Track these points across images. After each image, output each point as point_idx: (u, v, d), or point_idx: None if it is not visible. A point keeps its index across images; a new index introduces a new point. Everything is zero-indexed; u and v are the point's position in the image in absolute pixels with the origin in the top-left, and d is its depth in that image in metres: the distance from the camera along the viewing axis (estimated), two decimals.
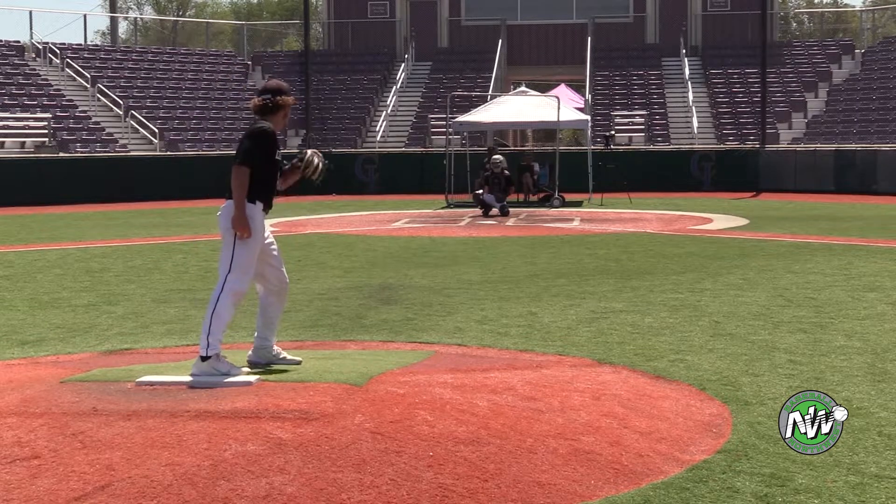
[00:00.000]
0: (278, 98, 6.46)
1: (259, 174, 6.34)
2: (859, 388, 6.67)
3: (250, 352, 6.58)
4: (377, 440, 5.06)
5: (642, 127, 36.97)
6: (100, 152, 32.90)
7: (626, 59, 41.52)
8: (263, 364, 6.46)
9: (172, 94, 38.49)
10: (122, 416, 5.42)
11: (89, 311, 10.30)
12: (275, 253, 6.54)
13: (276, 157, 6.47)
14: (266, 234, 6.46)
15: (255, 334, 6.58)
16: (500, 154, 24.79)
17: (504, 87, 40.22)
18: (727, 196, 29.83)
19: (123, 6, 71.65)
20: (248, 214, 6.27)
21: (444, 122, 30.64)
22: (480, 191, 23.73)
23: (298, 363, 6.51)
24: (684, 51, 40.73)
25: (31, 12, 41.33)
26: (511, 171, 27.14)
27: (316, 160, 6.74)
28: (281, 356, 6.53)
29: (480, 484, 4.73)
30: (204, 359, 6.10)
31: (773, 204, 27.04)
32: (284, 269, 6.65)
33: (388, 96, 39.86)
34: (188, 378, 6.07)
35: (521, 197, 28.18)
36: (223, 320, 6.21)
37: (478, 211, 23.59)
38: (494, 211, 23.15)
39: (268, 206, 6.46)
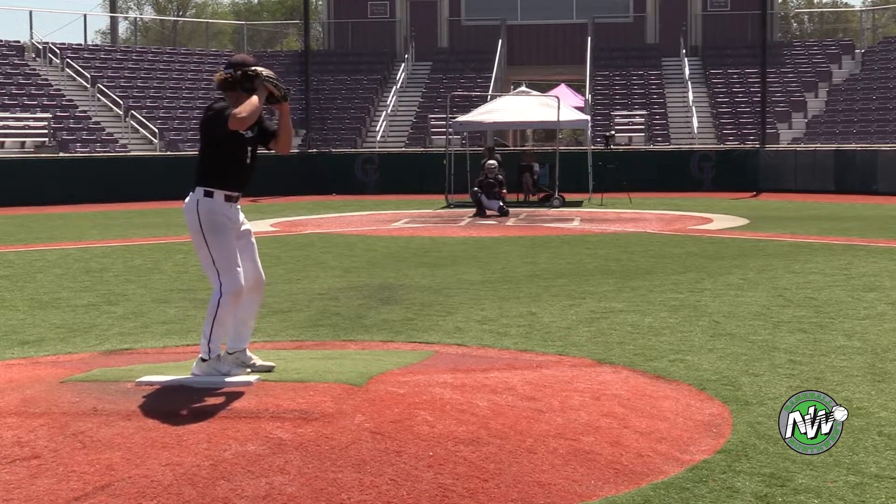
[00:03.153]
0: (230, 73, 6.03)
1: (213, 155, 6.01)
2: (859, 388, 6.67)
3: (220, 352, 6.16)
4: (377, 440, 5.06)
5: (642, 127, 36.97)
6: (100, 152, 32.89)
7: (626, 59, 41.51)
8: (217, 371, 6.04)
9: (172, 94, 38.48)
10: (122, 416, 5.41)
11: (89, 311, 10.30)
12: (249, 246, 6.17)
13: (232, 137, 5.97)
14: (241, 222, 6.12)
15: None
16: (494, 160, 24.80)
17: (504, 87, 40.22)
18: (727, 196, 29.82)
19: (123, 6, 71.74)
20: (208, 209, 5.96)
21: (444, 122, 30.63)
22: (477, 188, 23.75)
23: (270, 369, 6.16)
24: (684, 51, 40.73)
25: (31, 12, 41.65)
26: (510, 172, 27.19)
27: (264, 74, 6.06)
28: (252, 361, 6.19)
29: (480, 484, 4.73)
30: (205, 359, 6.08)
31: (773, 204, 27.03)
32: (260, 265, 6.25)
33: (388, 96, 39.85)
34: (188, 378, 6.06)
35: (521, 197, 28.18)
36: (225, 326, 6.05)
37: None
38: (492, 212, 23.17)
39: (230, 195, 6.04)
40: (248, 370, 6.18)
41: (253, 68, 6.05)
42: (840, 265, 13.24)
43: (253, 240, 6.27)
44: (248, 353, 6.26)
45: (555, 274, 12.83)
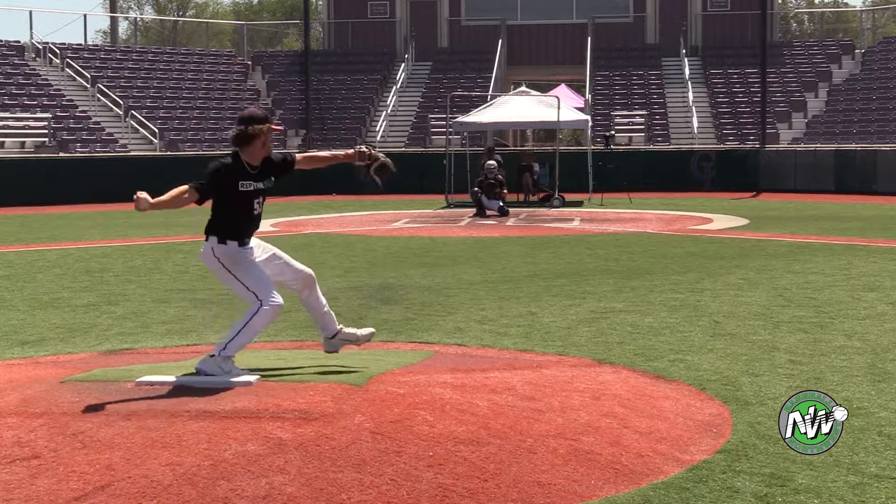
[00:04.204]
0: (250, 128, 6.21)
1: (221, 211, 6.26)
2: (859, 388, 6.67)
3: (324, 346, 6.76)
4: (377, 440, 5.06)
5: (642, 127, 36.97)
6: (100, 152, 32.89)
7: (626, 59, 41.51)
8: (336, 350, 6.71)
9: (172, 94, 38.47)
10: (122, 416, 5.42)
11: (89, 311, 10.30)
12: (278, 259, 6.50)
13: (243, 189, 6.24)
14: (258, 250, 6.40)
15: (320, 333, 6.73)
16: (494, 161, 24.82)
17: (504, 87, 40.21)
18: (727, 196, 29.82)
19: (123, 6, 71.69)
20: (224, 252, 6.20)
21: (444, 122, 30.63)
22: (477, 188, 23.77)
23: (369, 338, 6.78)
24: (684, 51, 40.72)
25: (31, 12, 41.65)
26: (510, 172, 27.18)
27: (382, 157, 6.68)
28: (348, 331, 6.71)
29: (480, 484, 4.73)
30: (213, 355, 6.09)
31: (773, 204, 27.03)
32: (298, 265, 6.60)
33: (388, 96, 39.85)
34: (188, 378, 6.06)
35: (521, 197, 28.18)
36: (254, 331, 6.21)
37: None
38: (492, 212, 23.18)
39: (243, 243, 6.31)
40: (250, 370, 6.18)
41: (256, 126, 6.23)
42: (840, 265, 13.24)
43: (269, 248, 6.53)
44: (346, 329, 6.73)
45: (555, 274, 12.83)
